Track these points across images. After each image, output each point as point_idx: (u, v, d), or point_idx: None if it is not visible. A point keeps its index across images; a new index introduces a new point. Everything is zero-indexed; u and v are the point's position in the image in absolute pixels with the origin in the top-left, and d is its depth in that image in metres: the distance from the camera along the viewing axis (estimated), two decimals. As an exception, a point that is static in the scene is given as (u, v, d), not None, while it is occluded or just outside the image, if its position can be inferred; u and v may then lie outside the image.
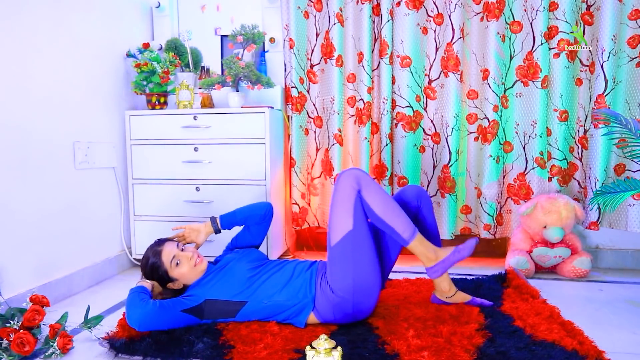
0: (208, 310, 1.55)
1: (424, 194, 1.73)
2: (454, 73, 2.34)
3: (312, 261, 1.68)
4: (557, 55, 2.27)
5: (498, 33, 2.28)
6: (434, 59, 2.39)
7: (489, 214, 2.36)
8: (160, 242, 1.65)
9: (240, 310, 1.56)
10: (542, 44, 2.24)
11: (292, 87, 2.51)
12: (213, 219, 1.79)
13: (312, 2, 2.49)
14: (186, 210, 2.34)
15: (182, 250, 1.63)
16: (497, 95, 2.31)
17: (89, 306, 1.59)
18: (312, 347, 1.12)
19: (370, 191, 1.53)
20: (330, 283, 1.52)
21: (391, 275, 2.18)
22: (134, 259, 2.44)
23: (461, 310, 1.64)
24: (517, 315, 1.59)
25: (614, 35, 2.14)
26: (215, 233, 1.80)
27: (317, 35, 2.50)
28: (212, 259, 1.83)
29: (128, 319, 1.45)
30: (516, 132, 2.34)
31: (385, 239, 1.69)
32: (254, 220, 1.81)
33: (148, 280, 1.62)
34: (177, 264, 1.60)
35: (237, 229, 1.98)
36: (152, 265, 1.61)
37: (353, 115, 2.50)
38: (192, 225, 1.80)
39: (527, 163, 2.32)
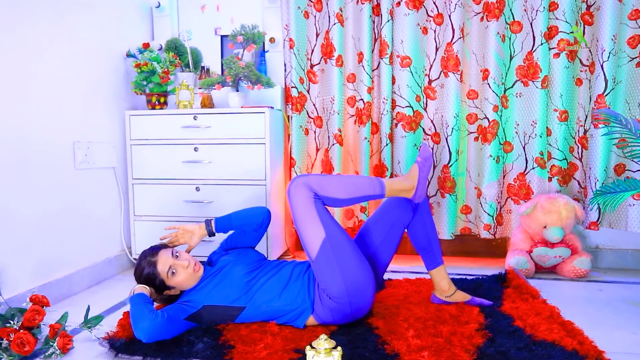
0: (207, 316, 1.54)
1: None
2: (454, 73, 2.34)
3: (309, 263, 1.66)
4: (557, 55, 2.27)
5: (498, 33, 2.28)
6: (434, 59, 2.39)
7: (489, 214, 2.36)
8: (154, 252, 1.59)
9: (238, 315, 1.56)
10: (542, 44, 2.24)
11: (292, 87, 2.51)
12: (208, 222, 1.75)
13: (312, 2, 2.49)
14: (186, 210, 2.34)
15: (177, 257, 1.59)
16: (497, 95, 2.31)
17: (89, 306, 1.58)
18: (312, 347, 1.12)
19: (325, 186, 1.51)
20: (325, 291, 1.51)
21: (391, 275, 2.18)
22: (134, 259, 2.43)
23: (461, 310, 1.64)
24: (517, 315, 1.59)
25: (614, 35, 2.14)
26: (209, 236, 1.76)
27: (317, 35, 2.50)
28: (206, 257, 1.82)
29: (136, 332, 1.40)
30: (516, 132, 2.34)
31: (374, 238, 1.68)
32: (250, 227, 1.76)
33: (146, 286, 1.57)
34: (174, 273, 1.56)
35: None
36: (147, 275, 1.57)
37: (353, 115, 2.50)
38: (185, 226, 1.76)
39: (527, 163, 2.32)
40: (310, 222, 1.49)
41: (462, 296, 1.74)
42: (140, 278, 1.58)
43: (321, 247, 1.48)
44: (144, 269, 1.57)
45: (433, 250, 1.71)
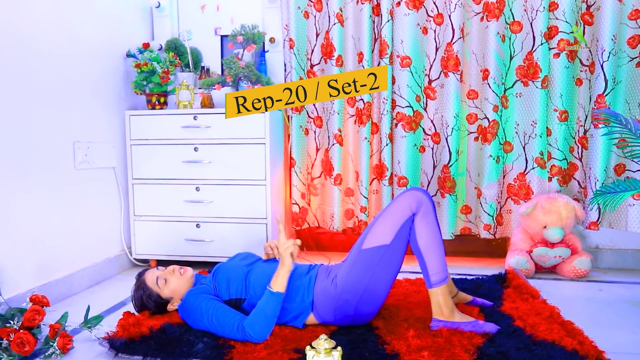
0: None
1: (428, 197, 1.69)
2: (454, 73, 2.34)
3: (311, 265, 1.66)
4: (557, 55, 2.27)
5: (498, 33, 2.28)
6: (434, 59, 2.39)
7: (489, 214, 2.36)
8: (140, 275, 1.65)
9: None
10: (542, 44, 2.24)
11: (292, 87, 2.51)
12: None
13: (312, 2, 2.49)
14: (186, 210, 2.34)
15: (163, 269, 1.64)
16: (497, 95, 2.31)
17: (89, 306, 1.58)
18: (312, 347, 1.12)
19: (424, 221, 1.49)
20: (340, 281, 1.50)
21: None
22: (134, 259, 2.44)
23: (461, 310, 1.63)
24: (517, 315, 1.59)
25: (614, 35, 2.14)
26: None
27: (317, 35, 2.50)
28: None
29: (264, 335, 1.43)
30: (516, 132, 2.34)
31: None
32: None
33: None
34: (165, 281, 1.60)
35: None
36: (141, 297, 1.62)
37: (353, 115, 2.50)
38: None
39: (527, 163, 2.32)
40: (390, 223, 1.49)
41: (463, 298, 1.75)
42: (141, 303, 1.64)
43: (377, 248, 1.48)
44: (137, 293, 1.63)
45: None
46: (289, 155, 2.58)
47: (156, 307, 1.63)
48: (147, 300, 1.62)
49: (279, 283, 1.46)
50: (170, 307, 1.63)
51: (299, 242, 1.50)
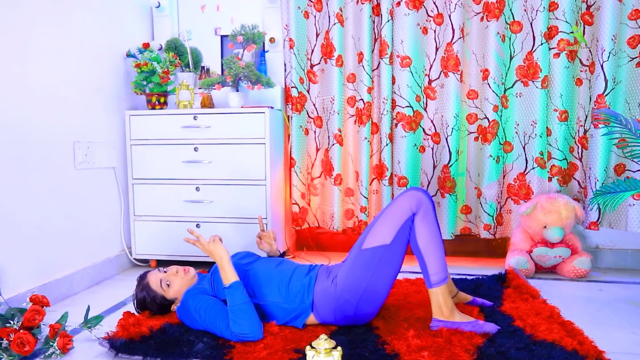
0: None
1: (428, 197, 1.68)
2: (454, 73, 2.34)
3: (311, 265, 1.66)
4: (557, 55, 2.27)
5: (498, 33, 2.28)
6: (434, 59, 2.39)
7: (489, 214, 2.36)
8: (143, 277, 1.65)
9: None
10: (542, 44, 2.24)
11: (292, 87, 2.51)
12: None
13: (312, 2, 2.49)
14: (186, 210, 2.34)
15: (165, 271, 1.64)
16: (497, 95, 2.31)
17: (89, 306, 1.58)
18: (312, 347, 1.12)
19: (424, 221, 1.49)
20: (340, 280, 1.50)
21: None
22: (134, 259, 2.44)
23: (461, 310, 1.63)
24: (517, 315, 1.59)
25: (614, 35, 2.14)
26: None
27: (317, 35, 2.50)
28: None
29: (254, 335, 1.42)
30: (516, 132, 2.34)
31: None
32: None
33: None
34: (168, 284, 1.60)
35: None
36: (144, 299, 1.62)
37: (353, 115, 2.50)
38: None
39: (527, 163, 2.32)
40: (390, 223, 1.49)
41: (463, 298, 1.75)
42: (144, 305, 1.63)
43: (377, 248, 1.48)
44: (141, 295, 1.63)
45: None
46: (289, 155, 2.58)
47: (159, 309, 1.63)
48: (150, 303, 1.62)
49: (227, 276, 1.49)
50: (174, 307, 1.64)
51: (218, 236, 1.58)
